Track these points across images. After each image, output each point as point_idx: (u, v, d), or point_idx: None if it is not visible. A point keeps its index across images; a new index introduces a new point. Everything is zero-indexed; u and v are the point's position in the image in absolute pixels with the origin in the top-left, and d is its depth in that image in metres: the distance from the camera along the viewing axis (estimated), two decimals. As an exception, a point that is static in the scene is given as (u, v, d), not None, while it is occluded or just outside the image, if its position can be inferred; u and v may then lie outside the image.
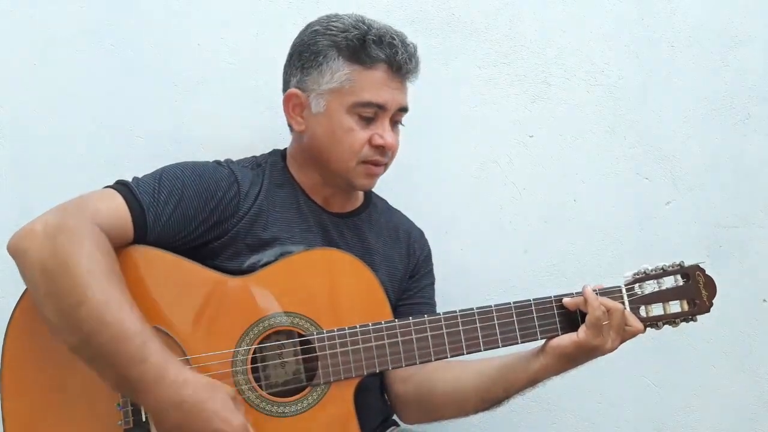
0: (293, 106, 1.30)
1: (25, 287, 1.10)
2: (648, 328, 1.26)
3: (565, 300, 1.23)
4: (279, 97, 1.44)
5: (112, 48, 1.52)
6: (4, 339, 1.10)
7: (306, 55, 1.28)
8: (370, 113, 1.26)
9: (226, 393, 1.07)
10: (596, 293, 1.21)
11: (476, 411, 1.31)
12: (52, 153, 1.49)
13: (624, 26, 1.80)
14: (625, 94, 1.80)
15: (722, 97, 1.86)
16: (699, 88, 1.85)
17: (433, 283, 1.48)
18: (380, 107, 1.26)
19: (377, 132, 1.27)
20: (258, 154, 1.38)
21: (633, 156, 1.81)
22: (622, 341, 1.22)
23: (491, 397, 1.27)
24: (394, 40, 1.25)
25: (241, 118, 1.59)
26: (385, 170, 1.33)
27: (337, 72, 1.24)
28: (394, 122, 1.31)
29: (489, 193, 1.74)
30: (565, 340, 1.19)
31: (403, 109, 1.31)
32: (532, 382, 1.24)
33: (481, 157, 1.73)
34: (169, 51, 1.55)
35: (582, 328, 1.18)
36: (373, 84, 1.25)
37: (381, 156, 1.28)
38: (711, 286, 1.28)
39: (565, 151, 1.77)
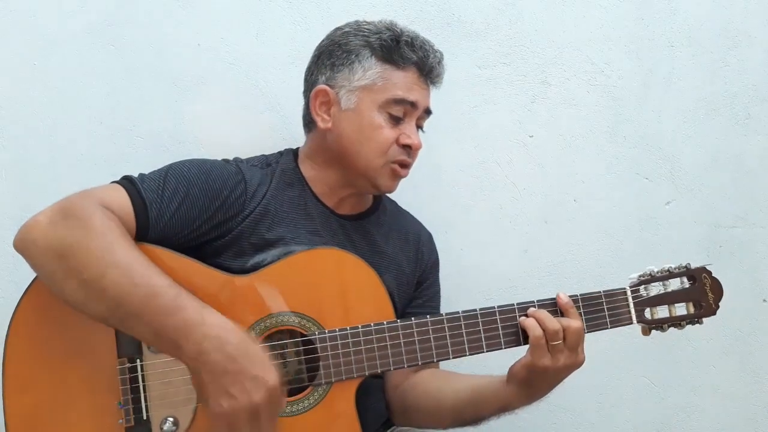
0: (320, 103, 1.30)
1: (27, 286, 1.10)
2: (653, 331, 1.25)
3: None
4: (279, 97, 1.44)
5: (112, 48, 1.52)
6: (6, 337, 1.09)
7: (337, 53, 1.29)
8: (399, 112, 1.27)
9: (259, 344, 1.09)
10: (573, 301, 1.20)
11: (453, 426, 1.31)
12: (52, 153, 1.49)
13: (624, 26, 1.80)
14: (625, 94, 1.81)
15: (722, 97, 1.87)
16: (699, 88, 1.85)
17: (439, 291, 1.48)
18: (412, 105, 1.28)
19: (405, 132, 1.28)
20: (267, 154, 1.37)
21: (633, 156, 1.81)
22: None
23: (463, 417, 1.28)
24: (426, 44, 1.29)
25: (241, 118, 1.58)
26: (407, 174, 1.33)
27: (370, 70, 1.26)
28: (417, 126, 1.33)
29: (489, 193, 1.74)
30: (517, 365, 1.18)
31: (428, 112, 1.34)
32: (503, 409, 1.23)
33: (481, 157, 1.73)
34: (169, 51, 1.55)
35: (528, 351, 1.17)
36: (405, 83, 1.27)
37: (407, 156, 1.29)
38: (717, 289, 1.27)
39: (565, 151, 1.78)
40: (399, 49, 1.26)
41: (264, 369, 1.04)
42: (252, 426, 1.04)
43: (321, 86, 1.29)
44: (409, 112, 1.28)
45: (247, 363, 1.03)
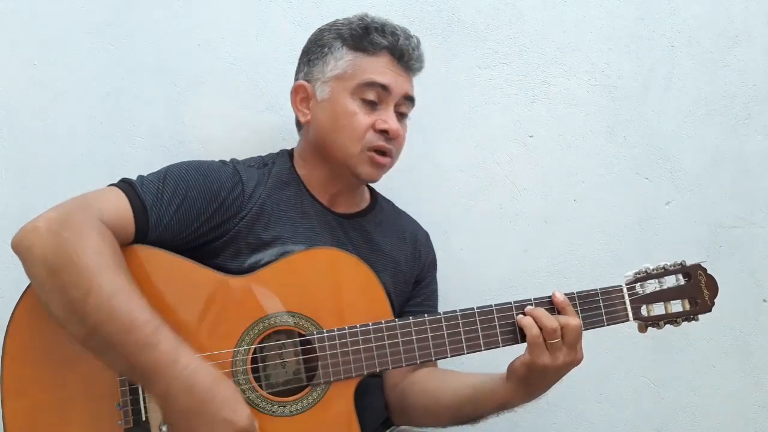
0: (300, 99, 1.33)
1: (26, 286, 1.10)
2: (649, 328, 1.25)
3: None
4: (279, 97, 1.44)
5: (112, 48, 1.52)
6: (5, 338, 1.09)
7: (313, 49, 1.32)
8: (373, 96, 1.27)
9: (234, 386, 1.08)
10: (568, 299, 1.19)
11: (452, 425, 1.31)
12: (52, 153, 1.49)
13: (624, 26, 1.80)
14: (625, 94, 1.81)
15: (722, 97, 1.87)
16: (699, 88, 1.85)
17: (436, 290, 1.48)
18: (384, 88, 1.27)
19: (381, 117, 1.27)
20: (264, 154, 1.38)
21: (633, 156, 1.81)
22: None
23: (462, 415, 1.27)
24: (397, 30, 1.29)
25: (241, 118, 1.58)
26: (392, 164, 1.33)
27: (341, 59, 1.27)
28: (401, 114, 1.32)
29: (489, 193, 1.74)
30: (516, 362, 1.17)
31: (409, 98, 1.32)
32: (502, 407, 1.22)
33: (481, 157, 1.73)
34: (169, 51, 1.55)
35: (526, 349, 1.16)
36: (377, 67, 1.27)
37: (385, 142, 1.28)
38: (712, 286, 1.27)
39: (565, 151, 1.78)
40: (369, 36, 1.27)
41: (233, 411, 1.04)
42: None
43: (298, 82, 1.32)
44: (383, 96, 1.27)
45: (217, 406, 1.03)
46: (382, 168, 1.31)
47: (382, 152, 1.28)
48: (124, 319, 1.01)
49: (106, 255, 1.04)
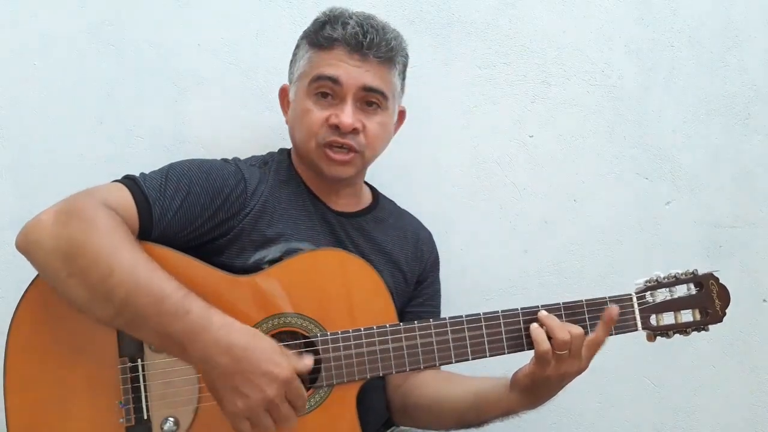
0: (286, 102, 1.36)
1: (27, 285, 1.10)
2: (658, 337, 1.24)
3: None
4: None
5: (112, 48, 1.52)
6: (8, 335, 1.09)
7: (293, 51, 1.35)
8: (325, 89, 1.25)
9: (271, 339, 1.08)
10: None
11: (455, 429, 1.30)
12: (52, 153, 1.48)
13: (624, 26, 1.80)
14: (625, 94, 1.81)
15: (722, 97, 1.87)
16: (699, 88, 1.85)
17: (439, 290, 1.48)
18: (333, 80, 1.24)
19: (335, 112, 1.25)
20: (264, 153, 1.38)
21: (633, 156, 1.81)
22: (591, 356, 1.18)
23: (465, 421, 1.27)
24: (351, 19, 1.26)
25: (241, 118, 1.58)
26: (360, 159, 1.29)
27: (302, 58, 1.29)
28: (369, 103, 1.27)
29: (489, 193, 1.73)
30: (520, 373, 1.17)
31: (370, 89, 1.26)
32: (506, 414, 1.22)
33: (481, 157, 1.73)
34: (169, 51, 1.54)
35: (531, 360, 1.16)
36: (328, 61, 1.25)
37: (339, 137, 1.25)
38: (724, 296, 1.26)
39: (565, 151, 1.78)
40: (322, 30, 1.25)
41: (274, 363, 1.04)
42: (273, 416, 1.05)
43: (282, 85, 1.37)
44: (336, 90, 1.24)
45: (255, 361, 1.03)
46: (342, 164, 1.27)
47: (339, 147, 1.26)
48: (151, 291, 1.01)
49: (119, 233, 1.04)
